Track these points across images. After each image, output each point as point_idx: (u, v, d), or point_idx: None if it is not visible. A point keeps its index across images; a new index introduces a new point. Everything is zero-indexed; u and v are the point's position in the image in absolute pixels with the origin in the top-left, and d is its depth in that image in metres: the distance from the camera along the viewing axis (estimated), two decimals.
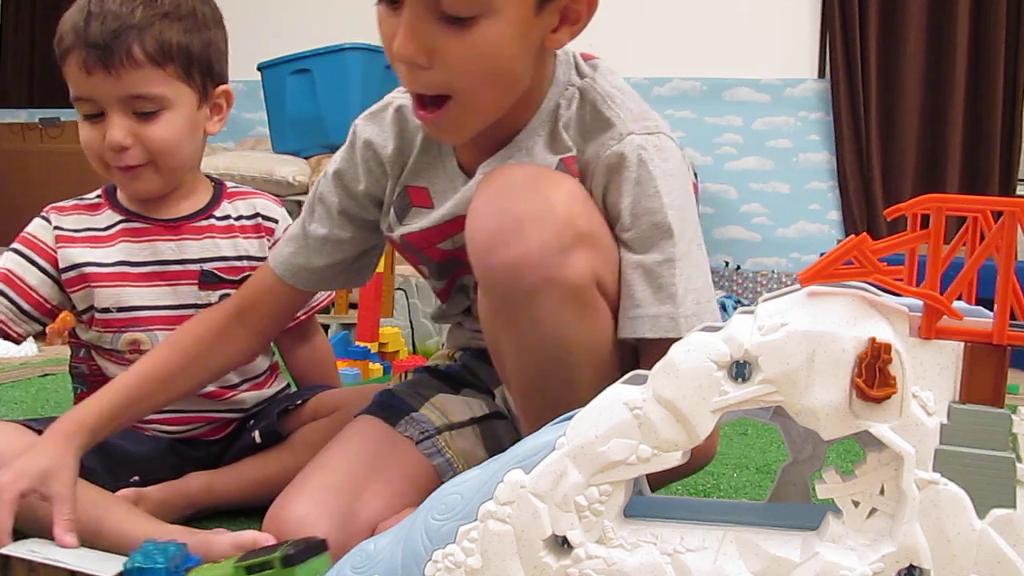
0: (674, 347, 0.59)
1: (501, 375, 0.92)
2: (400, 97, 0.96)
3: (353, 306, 2.43)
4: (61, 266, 1.06)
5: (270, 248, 1.14)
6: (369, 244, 1.04)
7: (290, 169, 3.12)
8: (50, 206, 1.10)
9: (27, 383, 1.90)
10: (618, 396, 0.60)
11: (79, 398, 1.14)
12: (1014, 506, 0.54)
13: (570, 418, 0.62)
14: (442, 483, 0.88)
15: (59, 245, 1.06)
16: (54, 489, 0.85)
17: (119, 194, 1.11)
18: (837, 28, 3.68)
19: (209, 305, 1.09)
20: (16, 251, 1.07)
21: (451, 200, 0.94)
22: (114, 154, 1.02)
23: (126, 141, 1.01)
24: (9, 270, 1.06)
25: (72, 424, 0.91)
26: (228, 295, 1.09)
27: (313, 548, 0.73)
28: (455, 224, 0.92)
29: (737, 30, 3.79)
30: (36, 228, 1.08)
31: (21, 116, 4.68)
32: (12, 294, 1.05)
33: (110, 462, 1.01)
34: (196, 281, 1.09)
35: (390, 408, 1.02)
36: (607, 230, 0.84)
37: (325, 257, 1.00)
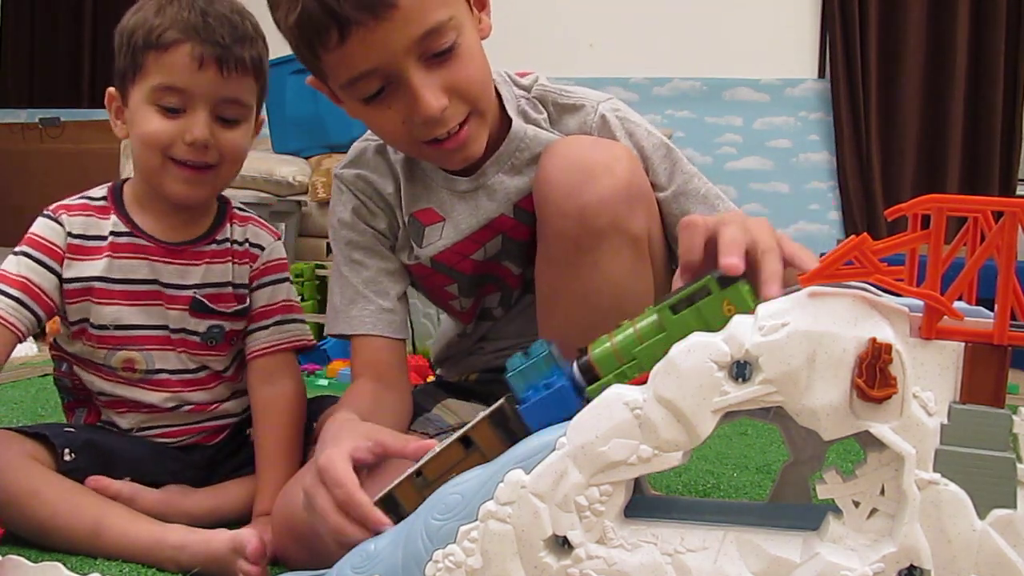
0: (675, 347, 0.59)
1: (547, 336, 0.93)
2: (369, 141, 1.03)
3: None
4: (65, 276, 1.04)
5: (251, 275, 1.11)
6: (409, 280, 1.06)
7: (290, 169, 3.12)
8: (57, 204, 1.07)
9: (27, 383, 1.90)
10: (619, 396, 0.60)
11: (68, 407, 1.13)
12: (1015, 506, 0.54)
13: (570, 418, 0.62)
14: None
15: (68, 254, 1.04)
16: (381, 437, 0.78)
17: (126, 201, 1.08)
18: (837, 28, 3.68)
19: (199, 333, 1.08)
20: (29, 256, 1.03)
21: (466, 205, 0.98)
22: (190, 150, 1.01)
23: (210, 139, 1.01)
24: (26, 278, 1.02)
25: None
26: (217, 327, 1.08)
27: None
28: (487, 231, 0.99)
29: (737, 30, 3.79)
30: (45, 230, 1.05)
31: (21, 116, 4.68)
32: (32, 304, 1.01)
33: (102, 463, 1.01)
34: (187, 308, 1.07)
35: None
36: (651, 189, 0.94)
37: (388, 294, 1.01)
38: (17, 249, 1.04)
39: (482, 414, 0.68)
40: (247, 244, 1.12)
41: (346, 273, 1.03)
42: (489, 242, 1.00)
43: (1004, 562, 0.54)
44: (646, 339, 0.64)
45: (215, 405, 1.11)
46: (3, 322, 0.98)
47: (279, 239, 1.16)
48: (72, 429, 1.04)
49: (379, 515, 0.68)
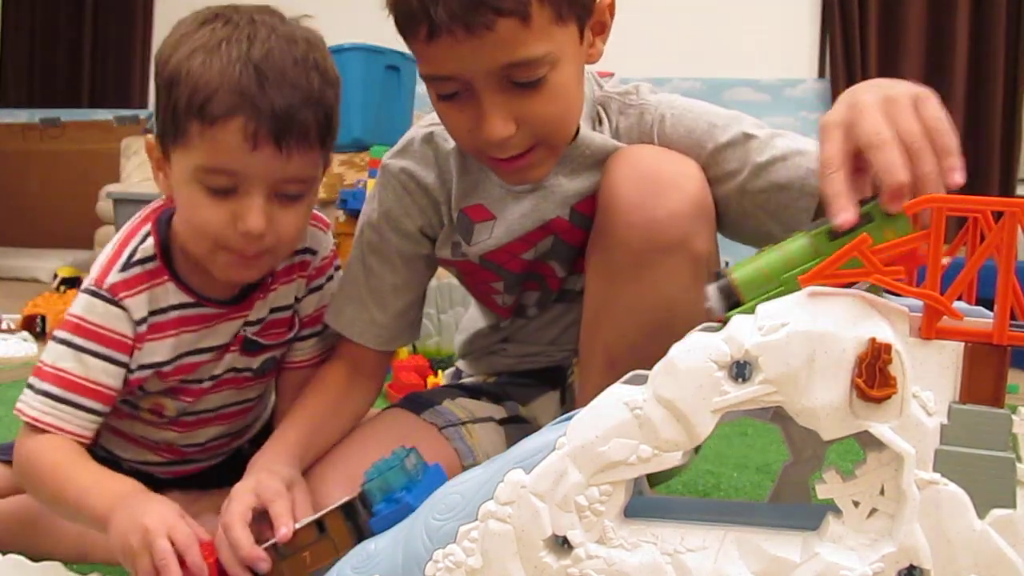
0: (674, 347, 0.59)
1: (588, 347, 0.93)
2: (421, 128, 1.00)
3: None
4: (132, 366, 0.90)
5: (307, 285, 1.01)
6: (424, 287, 1.04)
7: None
8: (114, 283, 0.88)
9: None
10: (618, 396, 0.60)
11: None
12: (1014, 506, 0.54)
13: (570, 418, 0.62)
14: (463, 468, 0.89)
15: (137, 344, 0.90)
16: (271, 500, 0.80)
17: (177, 259, 0.92)
18: (837, 28, 3.68)
19: (249, 370, 0.99)
20: (93, 353, 0.88)
21: (520, 205, 0.96)
22: (243, 240, 0.84)
23: (266, 229, 0.84)
24: (97, 383, 0.88)
25: (273, 458, 0.88)
26: (271, 359, 1.00)
27: None
28: (540, 232, 0.96)
29: (737, 30, 3.79)
30: (108, 318, 0.88)
31: (21, 116, 4.68)
32: (105, 409, 0.89)
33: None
34: (239, 348, 0.97)
35: (415, 402, 1.05)
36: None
37: (387, 309, 1.00)
38: (73, 340, 0.88)
39: (336, 504, 0.74)
40: (305, 252, 1.00)
41: (356, 271, 1.01)
42: (541, 242, 0.98)
43: (1004, 562, 0.54)
44: (796, 264, 0.61)
45: (235, 440, 1.08)
46: (82, 439, 0.87)
47: (328, 228, 1.03)
48: None
49: (251, 550, 0.74)
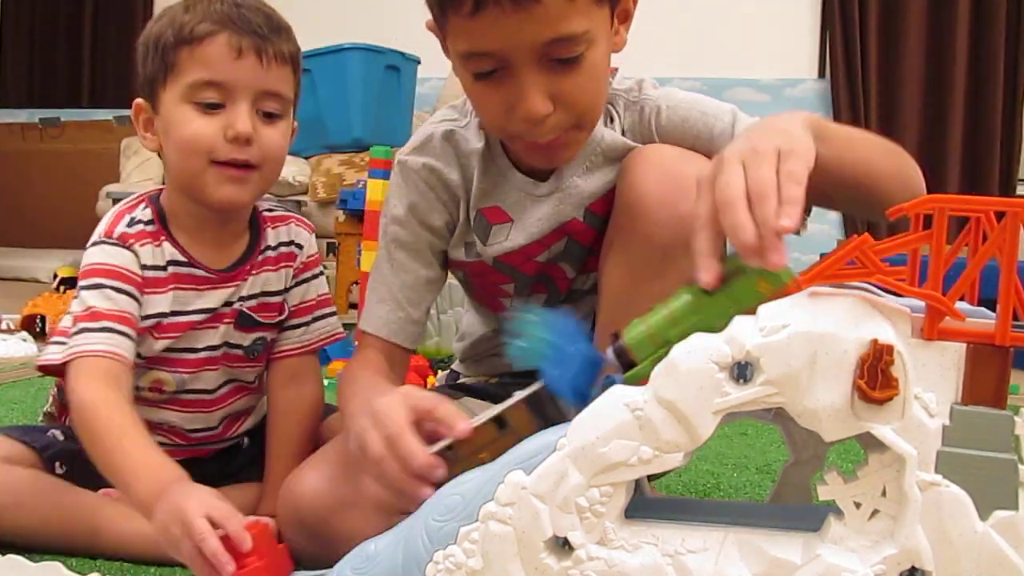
0: (675, 348, 0.59)
1: (605, 344, 0.92)
2: (438, 125, 1.00)
3: (353, 306, 2.43)
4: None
5: (294, 277, 1.08)
6: (445, 280, 1.04)
7: (290, 169, 3.12)
8: (121, 232, 0.98)
9: (27, 383, 1.89)
10: (619, 397, 0.60)
11: (63, 407, 1.06)
12: (1016, 508, 0.54)
13: None
14: None
15: (145, 288, 0.98)
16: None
17: (170, 224, 1.01)
18: (837, 28, 3.69)
19: (241, 347, 1.04)
20: (117, 289, 0.95)
21: (538, 208, 0.96)
22: (234, 147, 0.95)
23: (252, 134, 0.95)
24: (126, 311, 0.95)
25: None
26: (261, 339, 1.06)
27: None
28: (555, 234, 0.97)
29: (737, 30, 3.79)
30: (121, 258, 0.97)
31: (21, 116, 4.69)
32: (136, 337, 0.95)
33: (94, 472, 0.91)
34: (233, 322, 1.03)
35: None
36: None
37: (419, 305, 0.99)
38: (96, 281, 0.95)
39: (518, 396, 0.70)
40: (292, 245, 1.08)
41: (384, 271, 1.00)
42: (555, 244, 0.98)
43: (1006, 564, 0.54)
44: (680, 321, 0.63)
45: (236, 424, 1.09)
46: (116, 358, 0.92)
47: (313, 232, 1.12)
48: (61, 437, 1.00)
49: (426, 458, 0.68)
